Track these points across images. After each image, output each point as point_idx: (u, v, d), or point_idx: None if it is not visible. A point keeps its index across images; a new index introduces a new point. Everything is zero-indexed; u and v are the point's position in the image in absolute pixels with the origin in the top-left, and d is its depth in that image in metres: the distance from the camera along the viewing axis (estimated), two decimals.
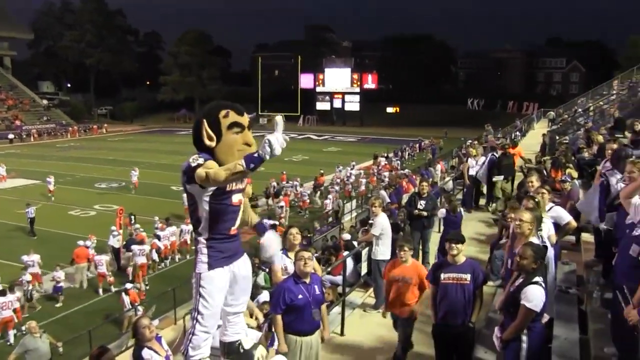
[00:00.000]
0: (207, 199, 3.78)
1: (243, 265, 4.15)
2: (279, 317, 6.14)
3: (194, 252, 4.07)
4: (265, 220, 4.17)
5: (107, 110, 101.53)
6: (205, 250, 3.92)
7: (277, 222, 3.90)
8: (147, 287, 20.52)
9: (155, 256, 22.14)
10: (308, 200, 31.80)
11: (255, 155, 3.36)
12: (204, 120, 3.80)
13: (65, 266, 20.42)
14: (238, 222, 4.10)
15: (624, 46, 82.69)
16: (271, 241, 4.32)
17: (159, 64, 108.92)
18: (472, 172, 16.20)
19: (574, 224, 8.44)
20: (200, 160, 3.65)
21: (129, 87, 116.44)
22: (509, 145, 17.91)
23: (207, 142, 3.78)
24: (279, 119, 3.51)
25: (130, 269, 21.17)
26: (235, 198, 3.92)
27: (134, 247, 20.85)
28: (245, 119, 3.84)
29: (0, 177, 39.45)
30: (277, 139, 3.30)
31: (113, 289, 19.76)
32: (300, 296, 6.11)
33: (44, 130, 74.91)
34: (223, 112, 3.79)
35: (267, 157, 3.32)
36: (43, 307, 18.76)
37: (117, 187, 39.33)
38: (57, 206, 32.82)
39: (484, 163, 15.96)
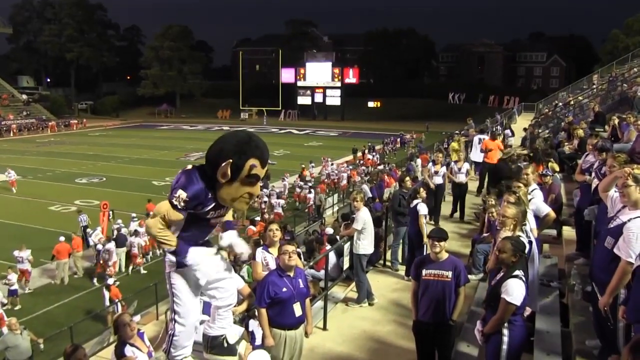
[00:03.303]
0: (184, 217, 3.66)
1: (212, 259, 4.08)
2: (263, 310, 6.14)
3: (163, 253, 4.00)
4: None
5: (88, 105, 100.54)
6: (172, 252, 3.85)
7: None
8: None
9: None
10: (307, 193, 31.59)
11: (182, 261, 3.78)
12: (231, 162, 3.44)
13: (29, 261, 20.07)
14: (208, 236, 4.04)
15: (606, 40, 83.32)
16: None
17: (139, 58, 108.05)
18: (436, 179, 15.12)
19: (552, 215, 8.48)
20: (179, 204, 3.48)
21: (110, 81, 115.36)
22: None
23: (219, 178, 3.48)
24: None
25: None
26: (214, 221, 3.86)
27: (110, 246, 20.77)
28: (264, 171, 3.59)
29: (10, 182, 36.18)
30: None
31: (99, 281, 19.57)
32: (284, 289, 6.11)
33: (24, 125, 73.96)
34: (252, 162, 3.47)
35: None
36: (22, 304, 18.59)
37: (98, 182, 39.00)
38: (37, 202, 32.54)
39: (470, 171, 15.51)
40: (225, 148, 3.49)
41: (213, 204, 3.60)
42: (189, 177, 3.51)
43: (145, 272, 21.64)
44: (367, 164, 42.79)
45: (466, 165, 15.81)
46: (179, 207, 3.47)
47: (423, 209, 11.17)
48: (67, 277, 20.54)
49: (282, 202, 29.71)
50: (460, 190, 15.44)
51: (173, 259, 3.82)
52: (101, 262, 20.79)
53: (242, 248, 4.04)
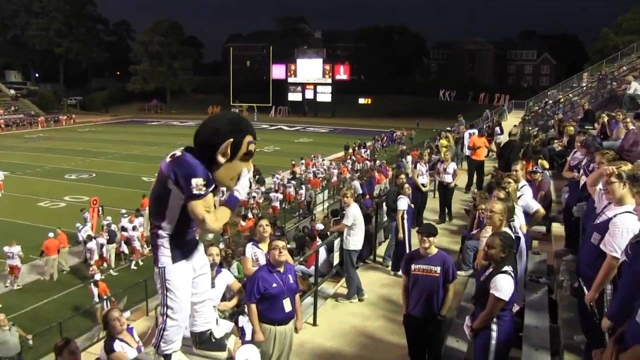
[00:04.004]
0: (182, 201, 3.63)
1: (199, 256, 4.10)
2: (253, 306, 6.15)
3: (153, 247, 3.93)
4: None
5: (77, 101, 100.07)
6: (167, 245, 3.81)
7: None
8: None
9: (125, 248, 22.04)
10: (292, 192, 31.63)
11: (236, 198, 3.73)
12: (231, 140, 3.54)
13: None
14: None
15: (596, 39, 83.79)
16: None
17: (129, 54, 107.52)
18: (421, 180, 14.78)
19: (542, 211, 8.56)
20: (202, 191, 3.48)
21: (99, 76, 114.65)
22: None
23: (220, 158, 3.56)
24: (245, 171, 3.74)
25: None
26: None
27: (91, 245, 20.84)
28: (254, 148, 3.72)
29: None
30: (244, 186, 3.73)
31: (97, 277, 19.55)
32: (274, 285, 6.12)
33: (12, 120, 73.47)
34: (249, 138, 3.62)
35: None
36: (8, 300, 18.49)
37: (88, 178, 38.88)
38: (26, 198, 32.36)
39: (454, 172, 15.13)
40: (220, 128, 3.57)
41: (214, 185, 3.64)
42: (188, 163, 3.52)
43: (135, 267, 21.63)
44: (360, 161, 42.81)
45: (453, 165, 15.35)
46: (204, 192, 3.50)
47: (402, 204, 11.21)
48: (57, 273, 20.47)
49: (279, 196, 30.28)
50: (446, 191, 15.10)
51: (169, 253, 3.82)
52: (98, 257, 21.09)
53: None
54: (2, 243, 20.22)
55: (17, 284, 19.77)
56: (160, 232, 3.81)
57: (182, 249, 3.85)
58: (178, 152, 3.62)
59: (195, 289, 4.11)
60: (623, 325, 3.85)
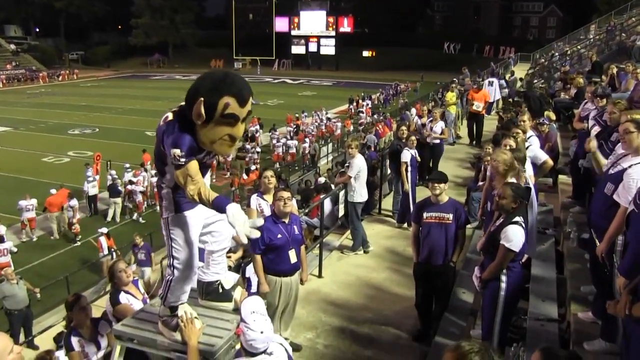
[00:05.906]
0: None
1: None
2: (258, 257, 6.13)
3: (158, 199, 3.86)
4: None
5: (79, 55, 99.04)
6: (170, 197, 3.75)
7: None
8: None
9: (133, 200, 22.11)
10: (294, 151, 31.28)
11: (225, 208, 3.29)
12: (202, 100, 3.28)
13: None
14: (207, 175, 3.87)
15: None
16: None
17: (130, 7, 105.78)
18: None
19: (550, 162, 8.47)
20: (180, 161, 3.33)
21: (101, 31, 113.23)
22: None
23: (195, 120, 3.34)
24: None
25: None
26: (209, 161, 3.74)
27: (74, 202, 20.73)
28: (244, 111, 3.39)
29: None
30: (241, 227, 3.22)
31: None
32: (279, 236, 6.09)
33: (13, 75, 72.82)
34: (226, 100, 3.29)
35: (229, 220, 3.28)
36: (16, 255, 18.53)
37: (91, 133, 38.77)
38: (30, 153, 32.33)
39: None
40: (199, 87, 3.37)
41: (204, 152, 3.52)
42: (173, 132, 3.39)
43: (143, 221, 21.77)
44: (368, 113, 42.57)
45: (440, 125, 14.05)
46: (183, 162, 3.34)
47: (405, 156, 11.05)
48: (56, 229, 20.60)
49: (296, 142, 31.08)
50: (432, 152, 13.90)
51: (172, 204, 3.74)
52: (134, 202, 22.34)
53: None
54: (8, 198, 20.31)
55: (36, 236, 20.29)
56: (164, 185, 3.75)
57: (186, 200, 3.75)
58: (170, 116, 3.49)
59: (214, 237, 4.04)
60: (637, 277, 3.80)
